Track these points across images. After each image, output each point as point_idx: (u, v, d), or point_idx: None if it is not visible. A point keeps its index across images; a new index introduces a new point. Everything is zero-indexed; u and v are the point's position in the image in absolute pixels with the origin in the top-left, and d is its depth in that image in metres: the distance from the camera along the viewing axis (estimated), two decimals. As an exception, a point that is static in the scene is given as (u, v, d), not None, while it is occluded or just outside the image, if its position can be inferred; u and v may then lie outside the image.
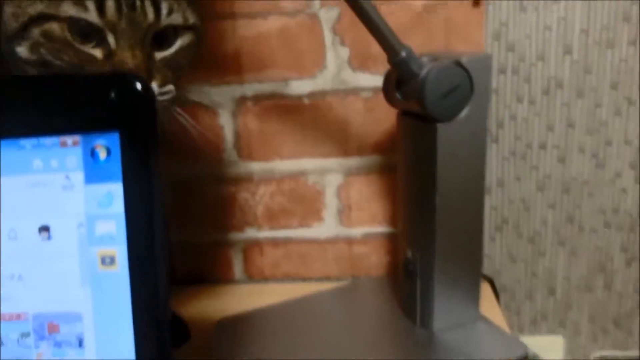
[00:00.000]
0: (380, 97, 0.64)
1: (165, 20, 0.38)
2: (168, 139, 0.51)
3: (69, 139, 0.28)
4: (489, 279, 0.68)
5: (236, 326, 0.58)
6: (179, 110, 0.45)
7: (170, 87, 0.40)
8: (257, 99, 0.64)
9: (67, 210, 0.29)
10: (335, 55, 0.62)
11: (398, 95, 0.52)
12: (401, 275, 0.58)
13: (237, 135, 0.66)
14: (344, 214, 0.69)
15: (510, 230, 0.74)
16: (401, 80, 0.51)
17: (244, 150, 0.67)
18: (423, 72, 0.47)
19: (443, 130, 0.47)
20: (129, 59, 0.36)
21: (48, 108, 0.28)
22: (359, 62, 0.63)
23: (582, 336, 0.81)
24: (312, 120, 0.65)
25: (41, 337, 0.30)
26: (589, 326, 0.81)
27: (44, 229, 0.29)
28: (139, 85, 0.27)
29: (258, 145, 0.66)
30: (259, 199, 0.69)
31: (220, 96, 0.64)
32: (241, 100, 0.64)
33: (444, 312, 0.54)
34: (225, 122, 0.65)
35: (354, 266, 0.71)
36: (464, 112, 0.48)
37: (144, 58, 0.37)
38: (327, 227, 0.70)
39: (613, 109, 0.69)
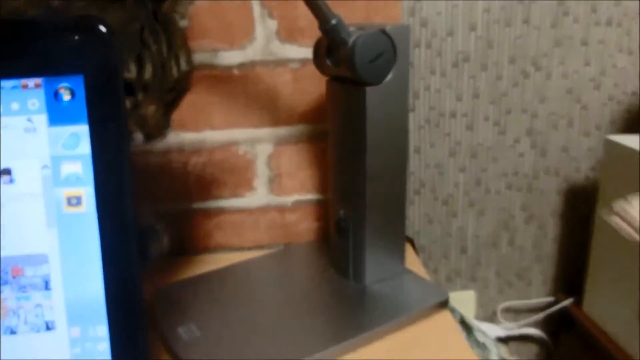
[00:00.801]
0: (308, 68, 0.67)
1: (182, 73, 0.40)
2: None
3: (31, 82, 0.28)
4: (409, 240, 0.73)
5: (173, 293, 0.58)
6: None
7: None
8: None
9: (30, 152, 0.29)
10: (264, 27, 0.64)
11: (328, 62, 0.54)
12: (334, 234, 0.61)
13: (168, 106, 0.65)
14: (275, 182, 0.71)
15: (427, 193, 0.80)
16: (331, 47, 0.53)
17: (174, 121, 0.66)
18: (352, 39, 0.50)
19: (371, 94, 0.51)
20: (150, 114, 0.40)
21: (9, 51, 0.28)
22: (286, 34, 0.65)
23: (490, 289, 0.89)
24: (242, 91, 0.66)
25: (4, 282, 0.30)
26: (496, 280, 0.88)
27: (5, 172, 0.29)
28: (103, 29, 0.28)
29: (189, 115, 0.66)
30: (190, 169, 0.69)
31: (150, 66, 0.63)
32: (172, 71, 0.64)
33: (374, 266, 0.58)
34: (155, 94, 0.65)
35: (285, 234, 0.74)
36: (389, 77, 0.52)
37: (162, 112, 0.41)
38: (258, 196, 0.71)
39: (512, 81, 0.76)
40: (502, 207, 0.83)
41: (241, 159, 0.69)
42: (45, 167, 0.29)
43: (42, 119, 0.29)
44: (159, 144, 0.67)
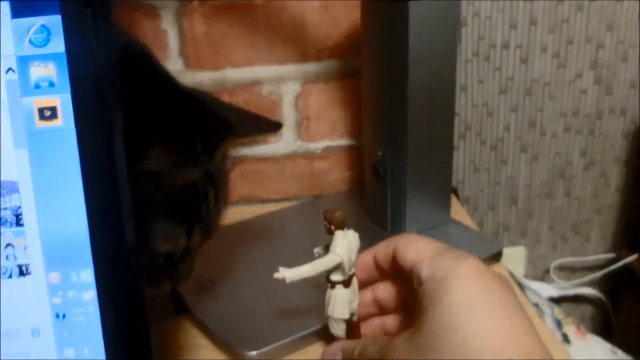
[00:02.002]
0: (339, -8, 0.60)
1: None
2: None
3: (-15, -43, 0.23)
4: (452, 189, 0.68)
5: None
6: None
7: None
8: (204, -4, 0.59)
9: (-10, 52, 0.23)
10: (288, -55, 0.58)
11: (364, -24, 0.48)
12: (369, 180, 0.56)
13: (183, 40, 0.61)
14: (303, 126, 0.66)
15: (473, 137, 0.74)
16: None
17: (191, 58, 0.62)
18: (392, -56, 0.43)
19: (415, 10, 0.45)
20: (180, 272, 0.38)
21: None
22: (314, -47, 0.58)
23: (542, 245, 0.84)
24: (265, 21, 0.62)
25: (-33, 217, 0.25)
26: (550, 235, 0.83)
27: (-41, 78, 0.24)
28: None
29: (207, 51, 0.62)
30: (209, 113, 0.64)
31: (161, -6, 0.58)
32: (185, -1, 0.59)
33: (416, 214, 0.53)
34: (169, 26, 0.60)
35: (314, 184, 0.69)
36: (436, -10, 0.46)
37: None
38: (284, 142, 0.67)
39: (575, 5, 0.69)
40: (558, 152, 0.77)
41: (265, 100, 0.64)
42: (9, 70, 0.24)
43: (3, 7, 0.23)
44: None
